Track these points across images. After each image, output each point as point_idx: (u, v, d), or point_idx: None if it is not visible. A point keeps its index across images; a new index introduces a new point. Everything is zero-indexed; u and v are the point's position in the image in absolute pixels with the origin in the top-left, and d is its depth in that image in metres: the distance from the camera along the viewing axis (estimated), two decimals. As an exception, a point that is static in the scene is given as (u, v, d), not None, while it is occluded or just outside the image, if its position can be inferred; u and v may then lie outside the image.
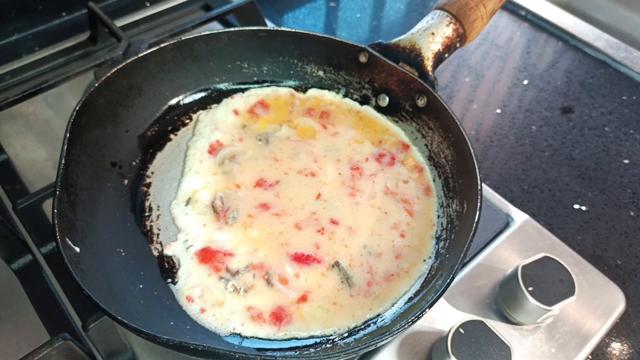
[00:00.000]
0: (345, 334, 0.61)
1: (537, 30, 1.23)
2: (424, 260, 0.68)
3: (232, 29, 0.82)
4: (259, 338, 0.61)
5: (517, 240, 0.76)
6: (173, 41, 0.79)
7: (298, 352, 0.60)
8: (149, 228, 0.70)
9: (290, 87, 0.88)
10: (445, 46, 0.74)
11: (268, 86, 0.87)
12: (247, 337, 0.61)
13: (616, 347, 0.73)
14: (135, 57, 0.76)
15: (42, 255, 0.72)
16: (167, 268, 0.67)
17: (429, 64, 0.73)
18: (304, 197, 0.73)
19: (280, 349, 0.60)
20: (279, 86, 0.87)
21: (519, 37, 1.21)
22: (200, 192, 0.73)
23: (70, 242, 0.57)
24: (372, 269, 0.67)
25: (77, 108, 0.66)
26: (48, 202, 0.76)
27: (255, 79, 0.88)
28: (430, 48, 0.73)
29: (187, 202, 0.72)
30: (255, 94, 0.86)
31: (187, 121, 0.83)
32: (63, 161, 0.62)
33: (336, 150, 0.79)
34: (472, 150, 0.67)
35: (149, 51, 0.77)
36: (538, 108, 1.05)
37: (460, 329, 0.59)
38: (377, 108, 0.84)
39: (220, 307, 0.63)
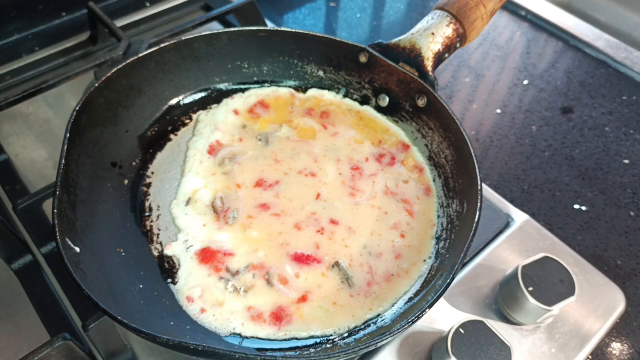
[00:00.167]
0: (345, 334, 0.61)
1: (537, 30, 1.23)
2: (424, 260, 0.68)
3: (232, 29, 0.82)
4: (259, 338, 0.61)
5: (517, 240, 0.76)
6: (173, 41, 0.79)
7: (298, 352, 0.60)
8: (149, 228, 0.70)
9: (290, 87, 0.88)
10: (445, 46, 0.74)
11: (268, 86, 0.87)
12: (247, 337, 0.61)
13: (616, 347, 0.73)
14: (135, 57, 0.76)
15: (42, 255, 0.72)
16: (167, 268, 0.67)
17: (429, 64, 0.73)
18: (304, 197, 0.73)
19: (280, 349, 0.60)
20: (279, 86, 0.87)
21: (519, 37, 1.21)
22: (200, 192, 0.73)
23: (70, 242, 0.57)
24: (372, 269, 0.67)
25: (77, 108, 0.66)
26: (48, 202, 0.76)
27: (255, 79, 0.88)
28: (430, 48, 0.73)
29: (187, 202, 0.72)
30: (255, 94, 0.86)
31: (187, 121, 0.83)
32: (63, 161, 0.62)
33: (336, 150, 0.79)
34: (472, 150, 0.67)
35: (149, 51, 0.77)
36: (538, 108, 1.05)
37: (460, 329, 0.59)
38: (377, 108, 0.84)
39: (220, 307, 0.63)
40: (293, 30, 0.82)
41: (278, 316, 0.62)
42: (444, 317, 0.68)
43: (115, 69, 0.73)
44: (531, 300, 0.63)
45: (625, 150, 0.98)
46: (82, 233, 0.62)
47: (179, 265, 0.66)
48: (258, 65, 0.87)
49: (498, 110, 1.05)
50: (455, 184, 0.72)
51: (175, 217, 0.71)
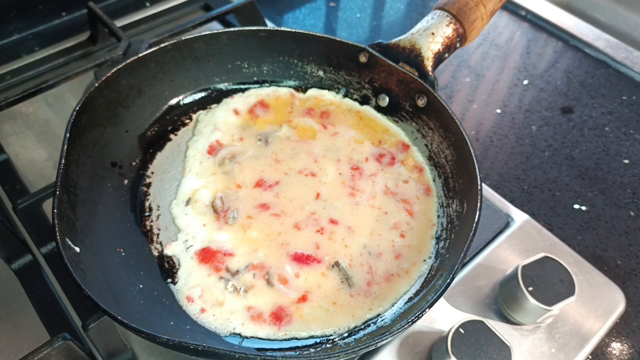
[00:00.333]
0: (345, 334, 0.61)
1: (537, 30, 1.23)
2: (424, 260, 0.68)
3: (232, 29, 0.82)
4: (259, 338, 0.61)
5: (517, 240, 0.76)
6: (173, 41, 0.79)
7: (298, 352, 0.60)
8: (149, 228, 0.70)
9: (290, 87, 0.88)
10: (445, 46, 0.74)
11: (268, 86, 0.87)
12: (247, 337, 0.61)
13: (616, 347, 0.73)
14: (135, 57, 0.76)
15: (42, 255, 0.72)
16: (167, 268, 0.67)
17: (429, 64, 0.73)
18: (304, 197, 0.73)
19: (280, 349, 0.60)
20: (279, 86, 0.87)
21: (519, 37, 1.21)
22: (200, 192, 0.73)
23: (70, 242, 0.57)
24: (372, 269, 0.67)
25: (77, 108, 0.66)
26: (48, 202, 0.76)
27: (255, 79, 0.88)
28: (430, 48, 0.73)
29: (187, 202, 0.72)
30: (255, 94, 0.86)
31: (187, 121, 0.83)
32: (63, 161, 0.62)
33: (336, 150, 0.79)
34: (472, 150, 0.67)
35: (149, 51, 0.77)
36: (538, 108, 1.05)
37: (460, 329, 0.59)
38: (377, 108, 0.84)
39: (220, 307, 0.63)
40: (293, 30, 0.82)
41: (278, 316, 0.62)
42: (444, 317, 0.68)
43: (115, 69, 0.73)
44: (531, 300, 0.63)
45: (625, 150, 0.98)
46: (82, 233, 0.62)
47: (179, 265, 0.66)
48: (258, 65, 0.87)
49: (498, 110, 1.05)
50: (455, 184, 0.72)
51: (175, 217, 0.71)
